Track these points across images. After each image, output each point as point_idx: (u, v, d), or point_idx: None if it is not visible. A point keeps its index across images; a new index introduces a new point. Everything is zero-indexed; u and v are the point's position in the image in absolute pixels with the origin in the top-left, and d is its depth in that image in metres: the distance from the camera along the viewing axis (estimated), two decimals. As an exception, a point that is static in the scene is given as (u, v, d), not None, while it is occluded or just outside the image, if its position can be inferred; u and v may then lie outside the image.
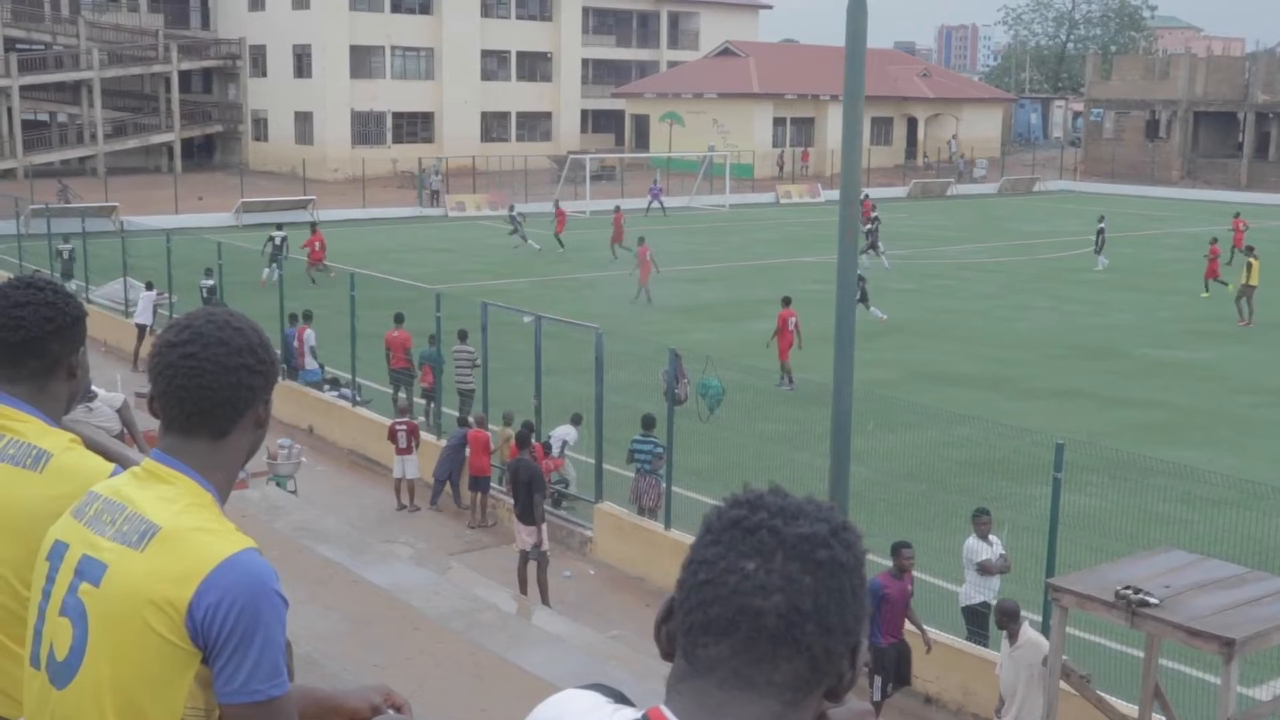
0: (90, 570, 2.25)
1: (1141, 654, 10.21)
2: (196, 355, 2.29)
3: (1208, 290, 33.60)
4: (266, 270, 32.40)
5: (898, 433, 18.62)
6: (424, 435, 19.05)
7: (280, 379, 17.88)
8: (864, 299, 26.11)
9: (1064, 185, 72.98)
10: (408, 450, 18.33)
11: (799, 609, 1.46)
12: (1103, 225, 39.39)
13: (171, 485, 2.29)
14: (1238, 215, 43.06)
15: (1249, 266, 30.68)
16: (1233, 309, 30.72)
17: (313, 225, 38.69)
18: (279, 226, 36.11)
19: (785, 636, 1.46)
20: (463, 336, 20.73)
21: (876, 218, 39.26)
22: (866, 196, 48.21)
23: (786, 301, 24.24)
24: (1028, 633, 10.77)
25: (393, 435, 18.46)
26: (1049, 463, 12.45)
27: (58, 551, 2.32)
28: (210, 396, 2.30)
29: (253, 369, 2.33)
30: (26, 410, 2.72)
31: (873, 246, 37.77)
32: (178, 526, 2.22)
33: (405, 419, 18.80)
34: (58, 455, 2.66)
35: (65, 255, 32.80)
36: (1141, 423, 21.27)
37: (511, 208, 44.35)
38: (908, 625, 12.15)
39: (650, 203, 54.57)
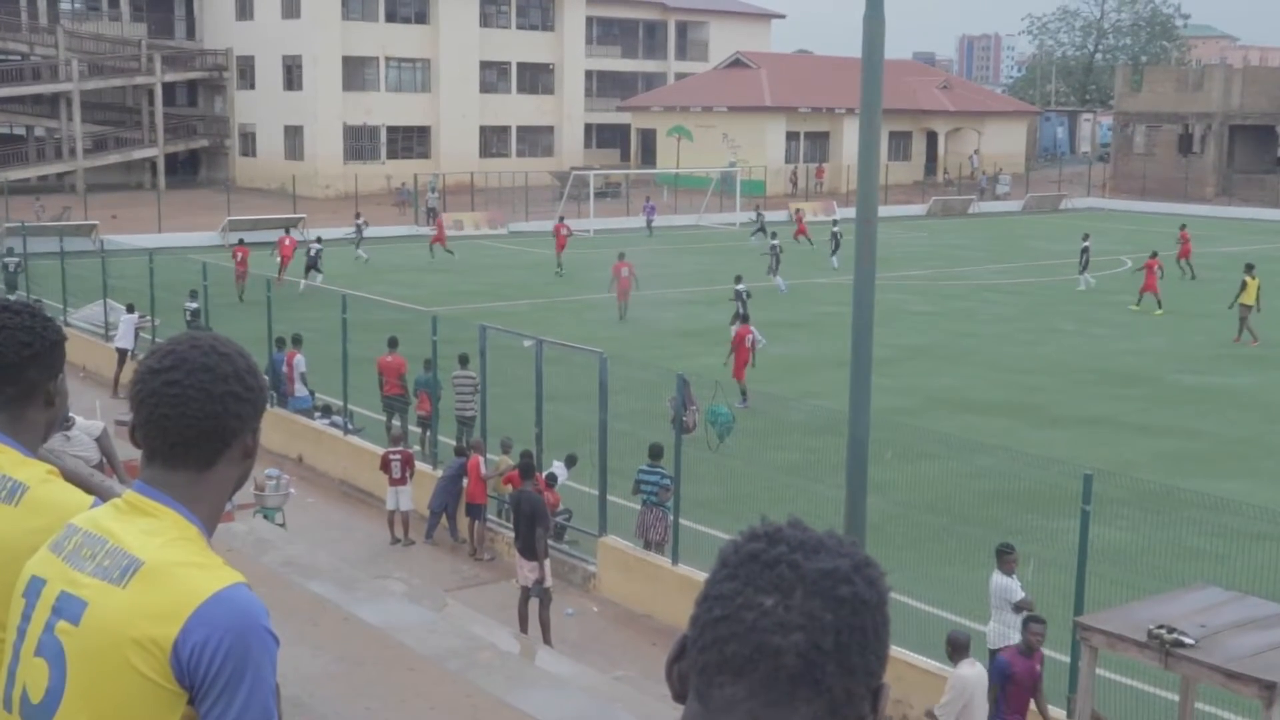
0: (69, 608, 2.23)
1: (1176, 698, 10.17)
2: (180, 382, 2.28)
3: (1139, 303, 35.55)
4: (304, 281, 36.90)
5: (917, 463, 18.59)
6: (419, 465, 19.04)
7: (270, 406, 17.80)
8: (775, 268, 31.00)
9: (1092, 202, 73.06)
10: (402, 481, 18.31)
11: (820, 648, 1.45)
12: (1087, 244, 40.01)
13: (155, 518, 2.27)
14: (1183, 227, 44.63)
15: (1244, 285, 31.25)
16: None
17: (286, 229, 41.01)
18: (319, 239, 39.23)
19: (805, 677, 1.45)
20: (463, 361, 20.74)
21: (778, 245, 40.27)
22: (798, 211, 50.53)
23: (745, 320, 25.01)
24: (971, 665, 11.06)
25: (386, 465, 18.44)
26: (1077, 494, 12.42)
27: (34, 588, 2.31)
28: (195, 426, 2.29)
29: (240, 397, 2.32)
30: (1, 440, 2.72)
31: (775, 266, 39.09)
32: (162, 561, 2.21)
33: (399, 448, 18.79)
34: (34, 487, 2.65)
35: (11, 268, 33.19)
36: (1175, 452, 21.23)
37: (358, 215, 44.74)
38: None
39: (650, 221, 54.69)
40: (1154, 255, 36.12)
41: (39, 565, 2.33)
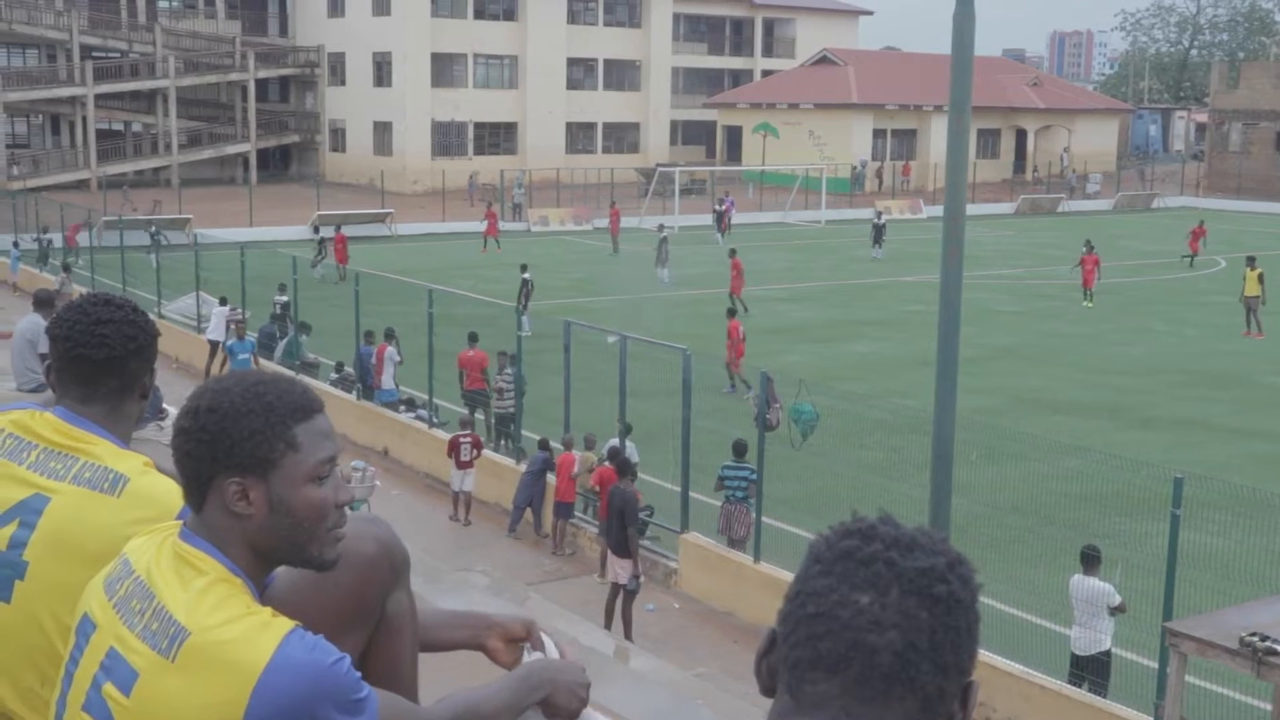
0: (118, 670, 2.09)
1: (1269, 706, 9.98)
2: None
3: (1089, 299, 35.75)
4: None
5: (1002, 464, 18.39)
6: (500, 459, 19.28)
7: (356, 399, 18.16)
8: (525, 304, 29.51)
9: (1185, 201, 71.73)
10: (470, 464, 18.78)
11: (915, 647, 1.45)
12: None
13: (193, 567, 2.14)
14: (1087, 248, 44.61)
15: (1245, 277, 31.91)
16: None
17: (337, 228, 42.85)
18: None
19: (900, 675, 1.45)
20: (511, 360, 20.85)
21: (666, 238, 39.97)
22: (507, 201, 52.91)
23: (732, 313, 27.11)
24: None
25: (455, 448, 18.91)
26: (1167, 498, 12.23)
27: (84, 629, 2.19)
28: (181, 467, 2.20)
29: (196, 437, 2.17)
30: (97, 432, 2.74)
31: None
32: (205, 626, 2.05)
33: (469, 431, 19.29)
34: (134, 479, 2.67)
35: (44, 244, 38.40)
36: (1269, 456, 20.81)
37: (316, 229, 44.59)
38: None
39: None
40: (1088, 249, 37.03)
41: (92, 603, 2.20)
